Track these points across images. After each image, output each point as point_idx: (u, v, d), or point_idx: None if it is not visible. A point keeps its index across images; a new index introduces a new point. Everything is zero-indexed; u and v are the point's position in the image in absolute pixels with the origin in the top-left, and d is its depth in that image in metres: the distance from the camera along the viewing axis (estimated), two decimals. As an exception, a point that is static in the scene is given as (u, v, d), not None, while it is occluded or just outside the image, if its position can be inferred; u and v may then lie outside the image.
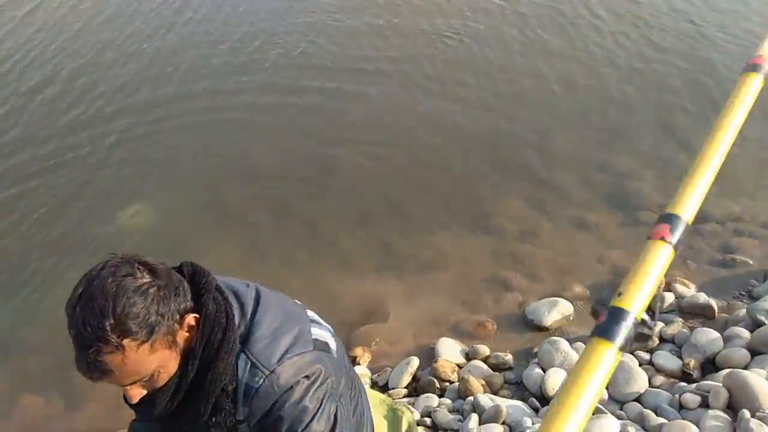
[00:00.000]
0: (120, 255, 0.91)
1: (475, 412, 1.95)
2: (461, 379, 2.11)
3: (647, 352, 2.11)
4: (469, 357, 2.30)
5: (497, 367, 2.25)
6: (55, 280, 2.72)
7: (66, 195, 3.23)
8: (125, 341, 0.85)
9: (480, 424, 1.90)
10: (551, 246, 2.82)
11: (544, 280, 2.65)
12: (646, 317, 0.63)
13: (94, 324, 0.84)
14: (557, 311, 2.40)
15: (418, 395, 2.12)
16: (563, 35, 4.26)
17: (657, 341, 2.15)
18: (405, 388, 2.17)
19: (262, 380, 0.95)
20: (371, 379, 2.23)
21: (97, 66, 4.28)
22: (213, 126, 3.67)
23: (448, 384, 2.16)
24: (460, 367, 2.25)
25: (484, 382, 2.13)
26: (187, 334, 0.95)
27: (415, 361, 2.24)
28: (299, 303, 1.13)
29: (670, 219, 0.67)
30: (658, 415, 1.80)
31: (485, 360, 2.27)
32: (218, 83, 4.06)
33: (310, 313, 1.11)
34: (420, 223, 3.01)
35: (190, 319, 0.94)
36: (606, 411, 1.83)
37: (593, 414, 1.75)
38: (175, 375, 0.95)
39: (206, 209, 3.16)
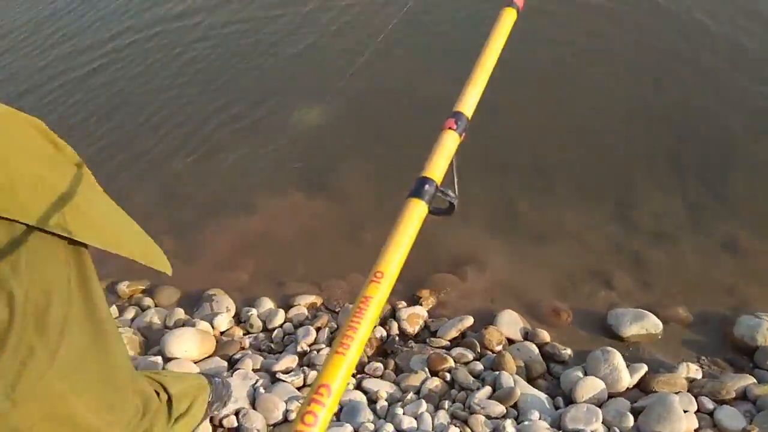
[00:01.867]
0: None
1: (492, 386, 1.95)
2: (499, 353, 2.09)
3: (715, 402, 1.83)
4: (527, 337, 2.24)
5: (551, 357, 2.15)
6: (224, 147, 3.24)
7: (261, 78, 3.74)
8: None
9: (490, 398, 1.90)
10: (683, 259, 2.48)
11: (652, 292, 2.37)
12: (450, 192, 0.86)
13: None
14: (641, 325, 2.16)
15: (456, 351, 2.16)
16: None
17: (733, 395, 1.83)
18: (449, 341, 2.22)
19: None
20: (425, 322, 2.31)
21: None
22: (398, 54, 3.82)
23: (489, 352, 2.15)
24: (511, 342, 2.21)
25: (522, 364, 2.07)
26: None
27: (469, 321, 2.26)
28: None
29: (455, 114, 0.90)
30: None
31: (541, 346, 2.18)
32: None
33: None
34: (557, 191, 2.86)
35: None
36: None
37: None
38: None
39: (365, 128, 3.35)
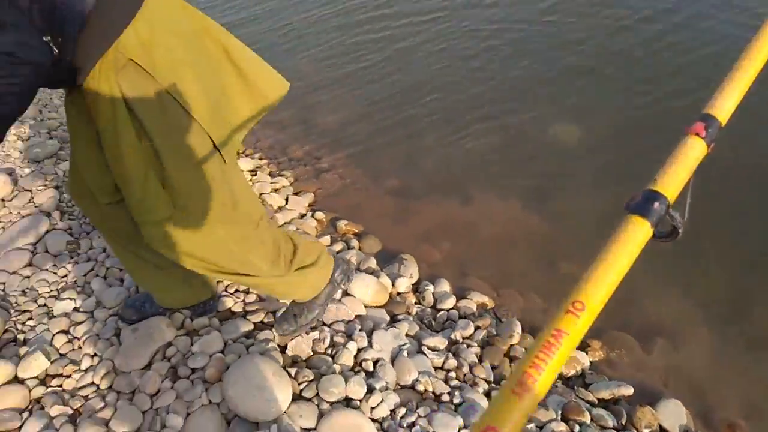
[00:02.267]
0: None
1: (618, 460, 1.84)
2: (643, 434, 1.94)
3: None
4: (686, 436, 2.02)
5: (704, 469, 1.92)
6: (476, 141, 3.43)
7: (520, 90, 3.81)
8: None
9: (608, 469, 1.80)
10: None
11: None
12: (677, 215, 0.68)
13: None
14: (833, 494, 1.78)
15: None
16: None
17: None
18: (597, 398, 2.12)
19: None
20: (583, 370, 2.24)
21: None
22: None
23: (634, 430, 2.01)
24: (663, 431, 2.02)
25: (663, 459, 1.90)
26: None
27: (628, 390, 2.12)
28: None
29: (706, 118, 0.74)
30: None
31: (698, 453, 1.96)
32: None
33: None
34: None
35: None
36: None
37: None
38: None
39: (613, 156, 3.18)
